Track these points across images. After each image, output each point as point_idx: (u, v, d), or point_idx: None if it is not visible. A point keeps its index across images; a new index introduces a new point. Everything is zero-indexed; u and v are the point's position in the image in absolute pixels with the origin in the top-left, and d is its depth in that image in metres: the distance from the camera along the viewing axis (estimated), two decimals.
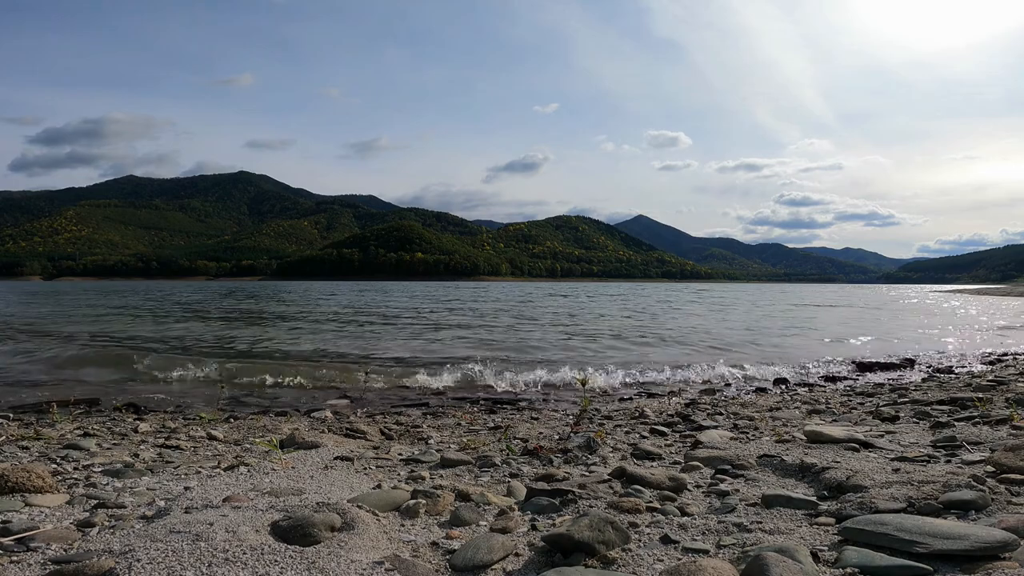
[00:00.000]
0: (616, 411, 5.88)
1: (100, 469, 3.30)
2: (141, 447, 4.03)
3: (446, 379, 8.27)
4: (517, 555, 2.10)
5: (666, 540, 2.22)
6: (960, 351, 12.04)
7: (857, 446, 3.56)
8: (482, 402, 6.69)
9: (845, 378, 8.47)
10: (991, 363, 9.84)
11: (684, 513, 2.53)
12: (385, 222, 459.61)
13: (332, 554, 1.99)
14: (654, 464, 3.52)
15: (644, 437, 4.43)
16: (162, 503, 2.62)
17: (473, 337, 14.17)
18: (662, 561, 2.05)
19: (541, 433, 4.70)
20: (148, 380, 8.06)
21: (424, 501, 2.59)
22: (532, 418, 5.60)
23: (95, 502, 2.64)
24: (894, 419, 4.78)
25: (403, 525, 2.39)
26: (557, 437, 4.44)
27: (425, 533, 2.32)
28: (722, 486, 2.90)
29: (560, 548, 2.08)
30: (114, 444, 4.14)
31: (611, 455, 3.75)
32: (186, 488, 2.86)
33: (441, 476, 3.25)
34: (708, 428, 4.67)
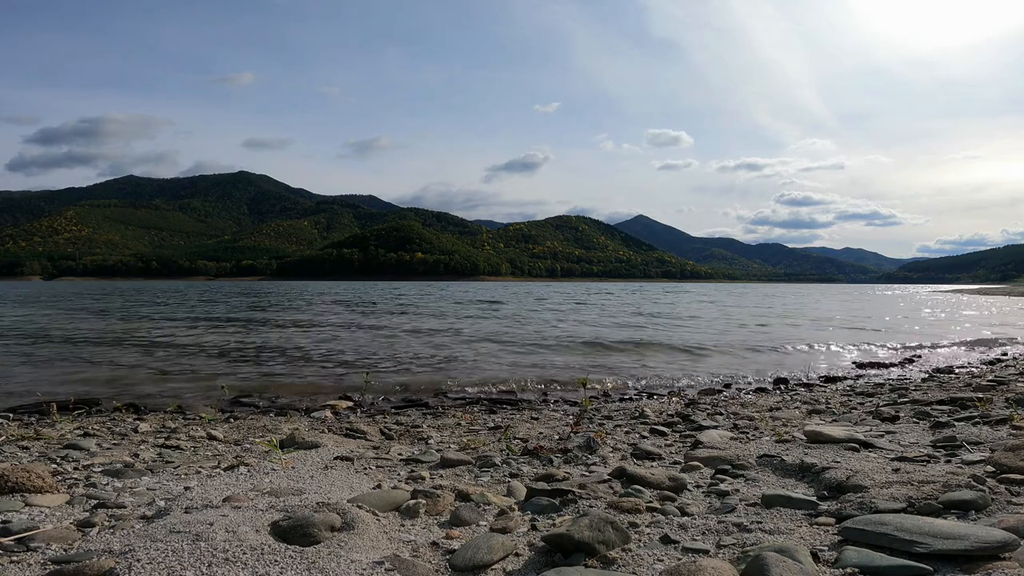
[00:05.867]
0: (616, 411, 5.88)
1: (100, 469, 3.30)
2: (141, 447, 4.03)
3: (447, 379, 8.28)
4: (517, 555, 2.10)
5: (666, 540, 2.22)
6: (960, 351, 12.04)
7: (857, 446, 3.56)
8: (482, 402, 6.69)
9: (845, 378, 8.47)
10: (991, 363, 9.84)
11: (684, 513, 2.53)
12: (385, 222, 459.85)
13: (332, 554, 1.99)
14: (654, 464, 3.52)
15: (644, 437, 4.43)
16: (162, 503, 2.62)
17: (473, 337, 14.17)
18: (662, 561, 2.05)
19: (541, 433, 4.70)
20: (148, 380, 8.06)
21: (424, 501, 2.59)
22: (532, 418, 5.60)
23: (95, 502, 2.64)
24: (894, 419, 4.78)
25: (403, 525, 2.39)
26: (557, 437, 4.44)
27: (425, 533, 2.32)
28: (722, 486, 2.90)
29: (560, 548, 2.08)
30: (114, 444, 4.14)
31: (611, 455, 3.75)
32: (186, 488, 2.86)
33: (441, 476, 3.25)
34: (708, 428, 4.67)
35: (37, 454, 3.73)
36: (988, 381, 6.92)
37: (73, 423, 5.06)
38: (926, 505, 2.42)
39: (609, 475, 3.10)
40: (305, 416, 5.75)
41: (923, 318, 22.80)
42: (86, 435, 4.45)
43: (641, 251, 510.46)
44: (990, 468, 2.90)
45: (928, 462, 3.18)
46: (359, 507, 2.41)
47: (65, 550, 2.08)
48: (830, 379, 8.36)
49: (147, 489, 2.88)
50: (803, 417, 5.16)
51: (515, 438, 4.43)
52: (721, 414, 5.49)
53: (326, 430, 4.78)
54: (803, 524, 2.37)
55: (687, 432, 4.58)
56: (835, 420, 4.90)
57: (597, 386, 7.79)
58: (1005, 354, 11.17)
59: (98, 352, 10.90)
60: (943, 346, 12.94)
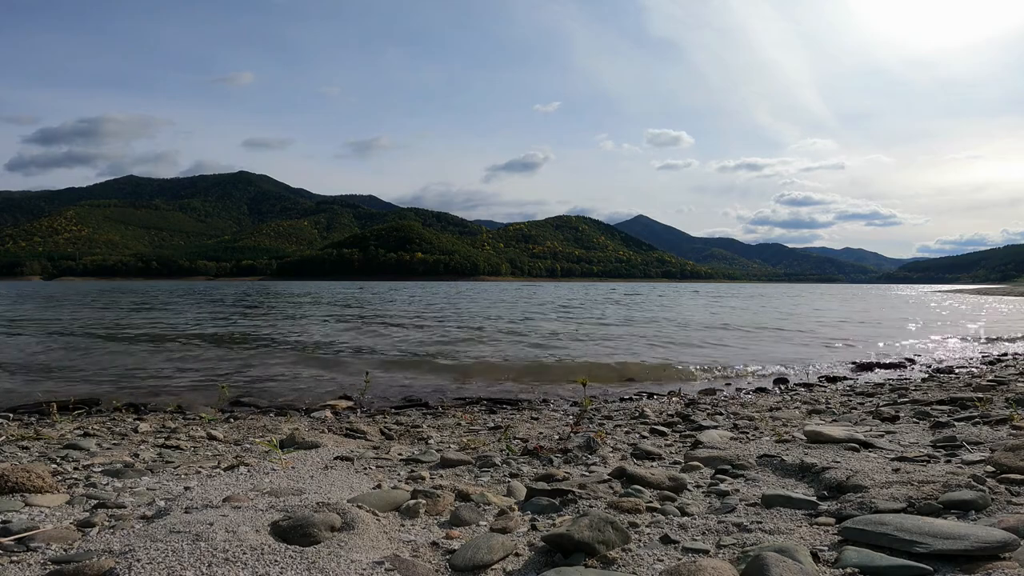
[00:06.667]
0: (616, 411, 5.88)
1: (100, 469, 3.30)
2: (141, 447, 4.03)
3: (446, 379, 8.28)
4: (517, 555, 2.10)
5: (666, 540, 2.22)
6: (960, 351, 12.04)
7: (857, 446, 3.56)
8: (482, 402, 6.69)
9: (845, 378, 8.47)
10: (991, 363, 9.84)
11: (684, 513, 2.53)
12: (385, 222, 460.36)
13: (332, 554, 1.99)
14: (654, 464, 3.52)
15: (644, 437, 4.43)
16: (162, 503, 2.62)
17: (472, 337, 14.17)
18: (662, 561, 2.05)
19: (541, 433, 4.70)
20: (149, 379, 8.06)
21: (424, 501, 2.59)
22: (532, 418, 5.60)
23: (95, 502, 2.64)
24: (894, 419, 4.78)
25: (403, 525, 2.39)
26: (557, 437, 4.44)
27: (425, 533, 2.32)
28: (722, 486, 2.90)
29: (560, 548, 2.08)
30: (114, 444, 4.14)
31: (611, 455, 3.75)
32: (186, 488, 2.86)
33: (441, 476, 3.25)
34: (708, 428, 4.67)
35: (37, 454, 3.73)
36: (988, 381, 6.92)
37: (73, 423, 5.06)
38: (926, 505, 2.42)
39: (609, 475, 3.10)
40: (305, 416, 5.75)
41: (923, 318, 22.81)
42: (86, 435, 4.45)
43: (641, 251, 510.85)
44: (990, 468, 2.90)
45: (928, 462, 3.18)
46: (359, 507, 2.41)
47: (65, 550, 2.07)
48: (830, 379, 8.36)
49: (147, 489, 2.88)
50: (803, 417, 5.16)
51: (515, 438, 4.43)
52: (721, 414, 5.49)
53: (326, 430, 4.78)
54: (803, 524, 2.37)
55: (687, 432, 4.58)
56: (835, 420, 4.90)
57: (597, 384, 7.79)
58: (1005, 354, 11.16)
59: (97, 353, 10.90)
60: (943, 346, 12.94)
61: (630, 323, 18.86)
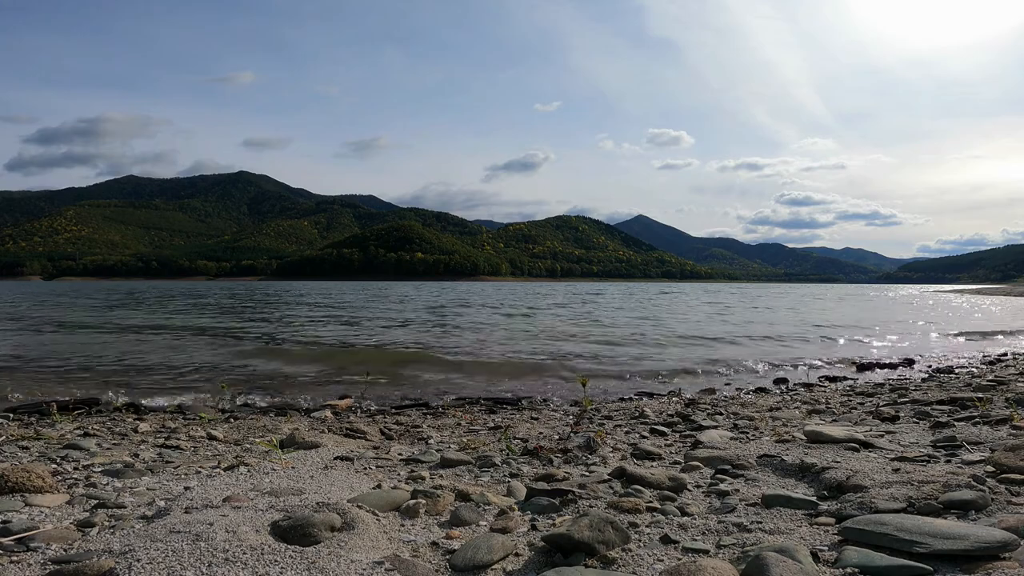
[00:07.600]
0: (616, 411, 5.88)
1: (100, 469, 3.30)
2: (141, 447, 4.03)
3: (446, 379, 8.28)
4: (517, 555, 2.10)
5: (666, 540, 2.22)
6: (960, 351, 12.04)
7: (857, 446, 3.56)
8: (482, 402, 6.69)
9: (845, 378, 8.47)
10: (991, 363, 9.84)
11: (684, 513, 2.53)
12: (385, 222, 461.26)
13: (332, 554, 1.99)
14: (654, 464, 3.52)
15: (644, 437, 4.43)
16: (162, 503, 2.62)
17: (472, 336, 14.17)
18: (662, 561, 2.05)
19: (541, 433, 4.70)
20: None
21: (424, 501, 2.59)
22: (532, 418, 5.60)
23: (95, 502, 2.64)
24: (894, 419, 4.78)
25: (403, 525, 2.39)
26: (557, 437, 4.44)
27: (425, 533, 2.32)
28: (722, 486, 2.90)
29: (560, 548, 2.08)
30: (114, 444, 4.14)
31: (611, 455, 3.75)
32: (186, 488, 2.86)
33: (441, 476, 3.25)
34: (708, 428, 4.67)
35: (37, 454, 3.73)
36: (988, 381, 6.91)
37: (73, 423, 5.06)
38: (926, 505, 2.42)
39: (609, 475, 3.10)
40: (305, 416, 5.75)
41: (924, 318, 22.80)
42: (86, 435, 4.45)
43: (641, 251, 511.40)
44: (990, 468, 2.90)
45: (928, 462, 3.18)
46: (359, 507, 2.40)
47: (65, 550, 2.07)
48: (830, 379, 8.36)
49: (147, 489, 2.88)
50: (803, 417, 5.16)
51: (515, 438, 4.43)
52: (721, 414, 5.49)
53: (326, 430, 4.78)
54: (803, 524, 2.37)
55: (687, 432, 4.58)
56: (835, 420, 4.90)
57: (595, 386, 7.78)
58: (1005, 354, 11.16)
59: (98, 352, 10.90)
60: (943, 346, 12.94)
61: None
